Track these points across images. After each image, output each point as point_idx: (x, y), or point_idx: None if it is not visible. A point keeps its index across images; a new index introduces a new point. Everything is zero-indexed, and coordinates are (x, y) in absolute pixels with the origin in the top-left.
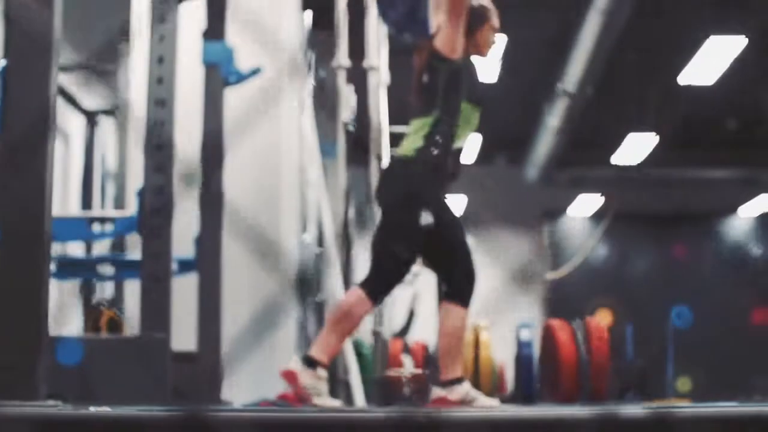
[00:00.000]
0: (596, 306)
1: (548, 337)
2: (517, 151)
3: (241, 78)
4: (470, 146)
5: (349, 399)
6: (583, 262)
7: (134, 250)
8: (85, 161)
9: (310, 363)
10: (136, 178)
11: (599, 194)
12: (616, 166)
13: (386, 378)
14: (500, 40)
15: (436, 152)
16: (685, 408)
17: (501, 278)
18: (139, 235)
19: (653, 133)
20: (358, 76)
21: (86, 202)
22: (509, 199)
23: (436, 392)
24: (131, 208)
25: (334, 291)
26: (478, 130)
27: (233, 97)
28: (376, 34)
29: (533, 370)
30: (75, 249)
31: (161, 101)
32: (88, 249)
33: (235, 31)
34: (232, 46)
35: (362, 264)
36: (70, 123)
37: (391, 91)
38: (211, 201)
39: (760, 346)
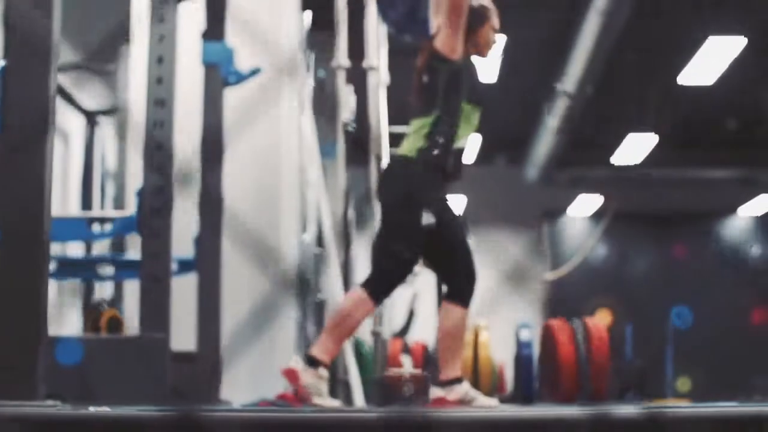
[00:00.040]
0: (596, 306)
1: (548, 337)
2: (517, 151)
3: (240, 78)
4: (470, 146)
5: (348, 399)
6: (582, 262)
7: (134, 250)
8: (85, 161)
9: (312, 362)
10: (135, 178)
11: (599, 194)
12: (616, 166)
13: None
14: (500, 40)
15: (437, 152)
16: (685, 408)
17: (500, 278)
18: (139, 235)
19: (653, 133)
20: (358, 76)
21: (86, 202)
22: (509, 199)
23: (436, 392)
24: (131, 208)
25: (334, 291)
26: (478, 130)
27: (233, 97)
28: (376, 34)
29: (533, 371)
30: (75, 249)
31: (161, 101)
32: (88, 249)
33: (234, 31)
34: (232, 47)
35: (362, 264)
36: (69, 123)
37: (391, 91)
38: (210, 201)
39: (760, 346)
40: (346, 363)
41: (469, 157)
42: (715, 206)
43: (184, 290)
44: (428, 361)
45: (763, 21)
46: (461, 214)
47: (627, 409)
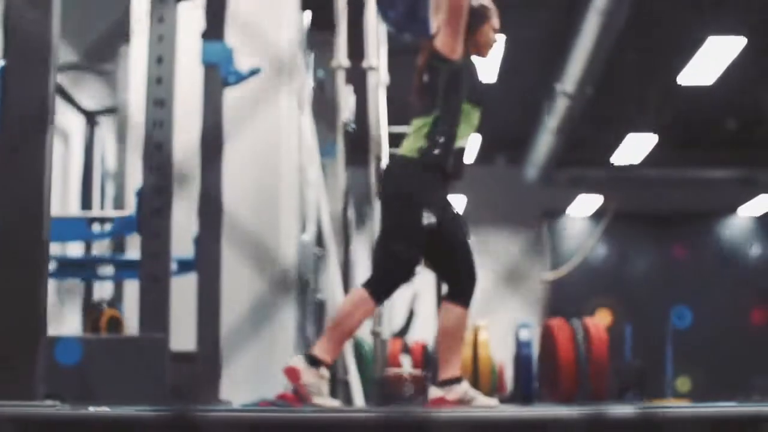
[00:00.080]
0: (596, 306)
1: (547, 336)
2: (516, 151)
3: (240, 78)
4: (470, 146)
5: (348, 399)
6: (582, 262)
7: (134, 250)
8: (85, 161)
9: (313, 362)
10: (135, 178)
11: (599, 194)
12: (615, 166)
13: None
14: (500, 40)
15: (437, 152)
16: (685, 408)
17: (500, 278)
18: (139, 235)
19: (653, 133)
20: (358, 76)
21: (86, 202)
22: (509, 199)
23: (435, 392)
24: (130, 207)
25: (334, 291)
26: (478, 130)
27: (232, 98)
28: (376, 34)
29: (532, 370)
30: (75, 249)
31: (160, 101)
32: (88, 249)
33: (234, 31)
34: (231, 47)
35: (362, 264)
36: (69, 123)
37: (391, 91)
38: (210, 201)
39: (760, 346)
40: (346, 363)
41: (469, 157)
42: (715, 206)
43: (183, 290)
44: (428, 361)
45: (763, 21)
46: (461, 214)
47: (626, 409)
